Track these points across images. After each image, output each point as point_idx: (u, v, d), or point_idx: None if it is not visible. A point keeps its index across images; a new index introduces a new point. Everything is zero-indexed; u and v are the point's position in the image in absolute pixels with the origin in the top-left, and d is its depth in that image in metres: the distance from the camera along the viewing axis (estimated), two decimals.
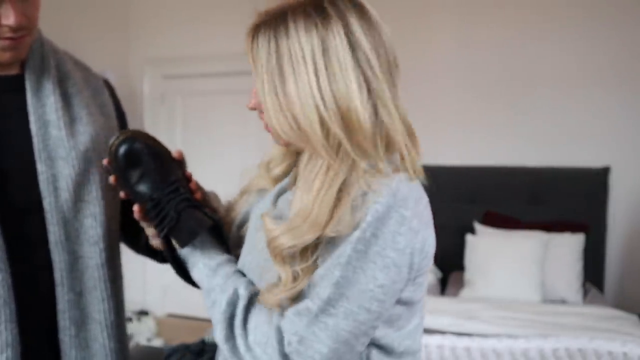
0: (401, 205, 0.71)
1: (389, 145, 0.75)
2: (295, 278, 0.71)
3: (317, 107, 0.70)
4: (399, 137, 0.74)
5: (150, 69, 3.91)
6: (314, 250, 0.72)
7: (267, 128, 0.80)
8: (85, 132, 0.96)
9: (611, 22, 2.96)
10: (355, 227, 0.69)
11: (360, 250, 0.69)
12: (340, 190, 0.71)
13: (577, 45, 3.02)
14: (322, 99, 0.70)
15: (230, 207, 0.95)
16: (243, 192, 0.93)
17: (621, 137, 2.96)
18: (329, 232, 0.69)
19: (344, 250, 0.69)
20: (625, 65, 2.94)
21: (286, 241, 0.70)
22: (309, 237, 0.69)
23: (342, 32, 0.71)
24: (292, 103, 0.71)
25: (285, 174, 0.87)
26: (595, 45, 2.99)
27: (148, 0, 3.89)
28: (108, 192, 0.98)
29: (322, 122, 0.71)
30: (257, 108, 0.80)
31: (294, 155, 0.86)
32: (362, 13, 0.74)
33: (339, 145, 0.71)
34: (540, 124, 3.09)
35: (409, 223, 0.71)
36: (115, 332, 1.00)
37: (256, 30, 0.75)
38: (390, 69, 0.75)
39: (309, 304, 0.70)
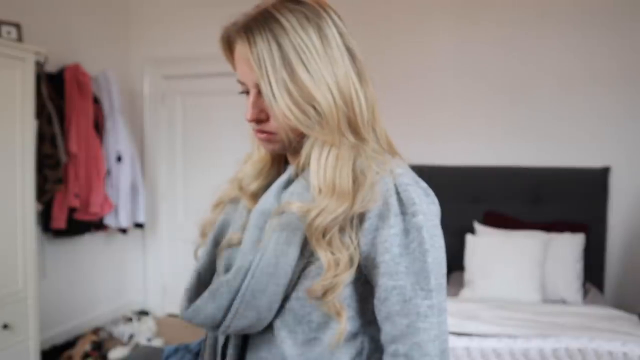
0: (418, 180, 0.77)
1: (375, 132, 0.80)
2: (337, 264, 0.72)
3: (330, 90, 0.73)
4: (379, 126, 0.80)
5: (150, 69, 3.90)
6: (349, 234, 0.74)
7: (266, 137, 0.78)
8: None
9: (611, 22, 2.95)
10: (384, 204, 0.72)
11: (432, 228, 0.74)
12: (355, 174, 0.74)
13: (577, 45, 3.02)
14: (332, 82, 0.73)
15: (204, 222, 0.94)
16: (216, 205, 0.92)
17: (621, 137, 2.96)
18: (358, 208, 0.72)
19: (422, 238, 0.72)
20: (625, 66, 2.94)
21: (322, 220, 0.71)
22: (341, 209, 0.72)
23: (330, 21, 0.75)
24: (308, 91, 0.72)
25: (263, 189, 0.85)
26: (595, 45, 2.99)
27: (148, 0, 3.89)
28: None
29: (336, 104, 0.73)
30: (258, 118, 0.77)
31: (270, 171, 0.88)
32: (336, 14, 0.78)
33: (342, 130, 0.75)
34: (540, 124, 3.09)
35: (430, 192, 0.78)
36: None
37: (249, 33, 0.73)
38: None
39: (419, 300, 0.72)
